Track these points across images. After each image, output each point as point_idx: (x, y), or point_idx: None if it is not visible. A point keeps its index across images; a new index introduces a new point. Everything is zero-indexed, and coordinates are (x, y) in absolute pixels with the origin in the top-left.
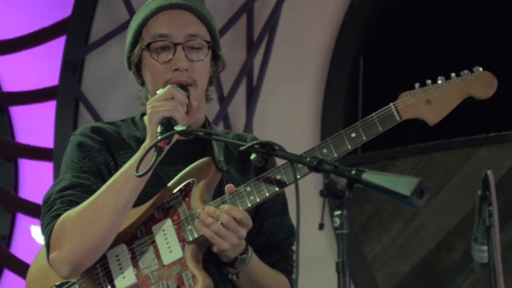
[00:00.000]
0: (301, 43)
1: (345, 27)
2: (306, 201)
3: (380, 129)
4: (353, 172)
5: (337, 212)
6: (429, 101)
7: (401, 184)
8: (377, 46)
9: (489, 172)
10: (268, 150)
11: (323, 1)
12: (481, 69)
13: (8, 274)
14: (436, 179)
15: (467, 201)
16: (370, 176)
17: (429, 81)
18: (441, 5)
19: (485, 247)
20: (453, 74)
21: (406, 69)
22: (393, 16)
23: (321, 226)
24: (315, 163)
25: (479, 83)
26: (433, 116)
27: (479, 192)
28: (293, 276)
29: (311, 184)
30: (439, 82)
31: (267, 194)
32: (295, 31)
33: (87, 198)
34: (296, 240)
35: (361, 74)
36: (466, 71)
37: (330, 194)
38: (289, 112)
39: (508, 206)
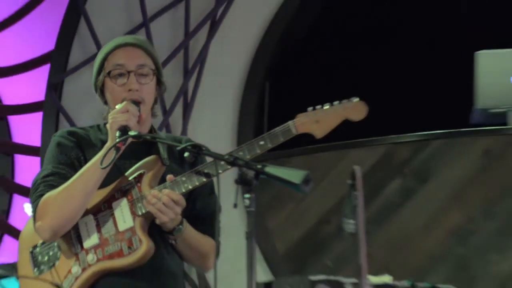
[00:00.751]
0: (224, 72)
1: (256, 59)
2: (225, 187)
3: (282, 139)
4: (259, 166)
5: (247, 195)
6: (317, 121)
7: (294, 175)
8: (281, 74)
9: (356, 167)
10: (198, 150)
11: (239, 39)
12: (356, 99)
13: (7, 239)
14: (320, 172)
15: (341, 188)
16: (271, 169)
17: (318, 106)
18: (335, 41)
19: (352, 221)
20: (336, 102)
21: (303, 94)
22: (295, 50)
23: (235, 205)
24: (232, 160)
25: (354, 109)
26: (319, 132)
27: (349, 181)
28: (217, 239)
29: (229, 175)
30: (326, 107)
31: (197, 183)
32: (220, 63)
33: (63, 183)
34: (217, 214)
35: (267, 95)
36: (345, 100)
37: (242, 182)
38: (213, 123)
39: (370, 192)
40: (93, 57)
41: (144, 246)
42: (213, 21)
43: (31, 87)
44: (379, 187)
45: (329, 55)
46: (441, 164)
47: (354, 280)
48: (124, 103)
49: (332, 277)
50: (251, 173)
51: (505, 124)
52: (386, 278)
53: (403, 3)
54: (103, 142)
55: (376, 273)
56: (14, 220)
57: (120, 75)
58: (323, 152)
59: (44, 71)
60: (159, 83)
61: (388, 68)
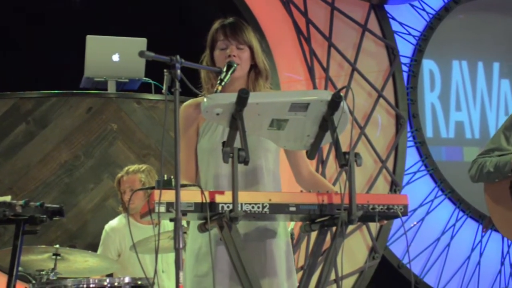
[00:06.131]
0: None
1: None
2: None
3: None
4: None
5: None
6: None
7: None
8: None
9: None
10: None
11: None
12: None
13: None
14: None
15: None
16: None
17: None
18: None
19: None
20: None
21: None
22: None
23: None
24: None
25: None
26: None
27: None
28: None
29: None
30: None
31: None
32: None
33: None
34: None
35: None
36: None
37: None
38: None
39: (1, 134)
40: None
41: None
42: None
43: None
44: (8, 130)
45: None
46: (57, 115)
47: None
48: None
49: None
50: None
51: (105, 89)
52: (7, 198)
53: None
54: None
55: (2, 194)
56: None
57: None
58: None
59: None
60: None
61: (20, 42)
